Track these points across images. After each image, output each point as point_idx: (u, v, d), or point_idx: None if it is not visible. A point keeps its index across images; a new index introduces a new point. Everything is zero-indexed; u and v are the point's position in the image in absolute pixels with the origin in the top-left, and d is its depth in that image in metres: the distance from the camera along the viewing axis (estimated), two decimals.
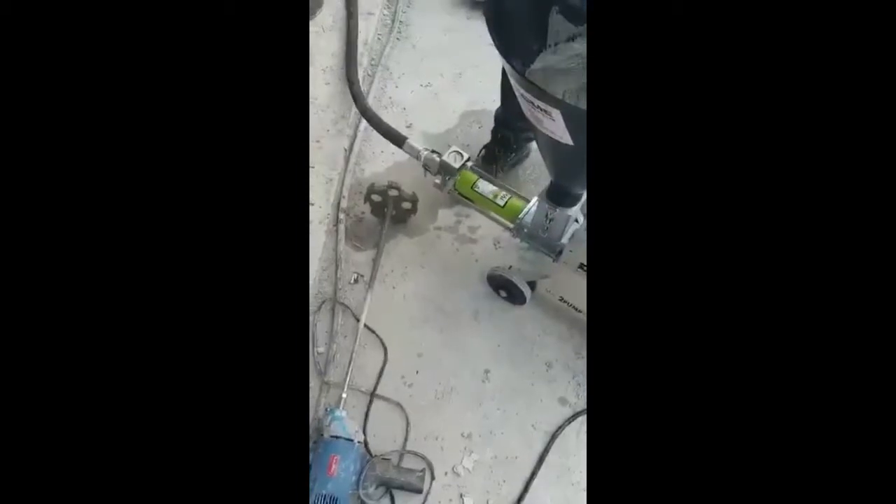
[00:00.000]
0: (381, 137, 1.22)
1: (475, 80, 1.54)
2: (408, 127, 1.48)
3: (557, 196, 0.96)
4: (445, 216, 1.31)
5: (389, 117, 1.50)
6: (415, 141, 1.19)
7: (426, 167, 1.20)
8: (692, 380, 0.38)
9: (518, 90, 0.69)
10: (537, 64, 0.84)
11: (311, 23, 1.57)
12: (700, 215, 0.38)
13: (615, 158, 0.40)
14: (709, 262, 0.38)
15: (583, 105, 0.80)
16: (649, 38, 0.38)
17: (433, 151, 1.18)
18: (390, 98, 1.54)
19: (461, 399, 1.07)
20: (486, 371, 1.10)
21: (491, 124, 1.33)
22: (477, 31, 1.71)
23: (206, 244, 0.41)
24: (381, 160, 1.40)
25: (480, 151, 1.33)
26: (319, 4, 1.69)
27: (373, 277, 1.18)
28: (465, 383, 1.08)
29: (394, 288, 1.19)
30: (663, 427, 0.39)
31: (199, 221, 0.41)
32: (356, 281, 1.19)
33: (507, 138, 1.29)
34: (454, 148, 1.15)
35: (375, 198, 1.23)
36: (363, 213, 1.29)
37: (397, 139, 1.23)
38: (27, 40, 0.38)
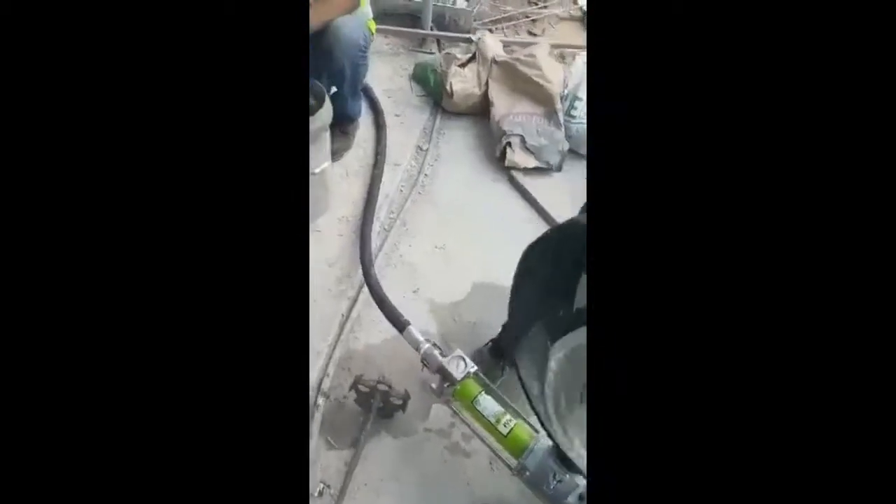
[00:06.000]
0: None
1: (492, 248, 1.46)
2: (414, 292, 1.37)
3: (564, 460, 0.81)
4: (439, 416, 1.14)
5: (397, 277, 1.41)
6: (416, 330, 1.08)
7: (424, 362, 1.07)
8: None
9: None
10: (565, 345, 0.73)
11: (335, 165, 1.55)
12: (702, 220, 0.39)
13: (617, 166, 0.41)
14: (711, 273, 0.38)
15: None
16: (649, 37, 0.39)
17: (435, 346, 1.06)
18: (401, 256, 1.46)
19: None
20: None
21: (504, 304, 1.21)
22: (500, 192, 1.68)
23: (200, 243, 0.40)
24: (378, 330, 1.27)
25: (487, 344, 1.20)
26: (348, 146, 1.69)
27: (342, 493, 0.99)
28: None
29: None
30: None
31: (195, 221, 0.40)
32: (321, 494, 1.00)
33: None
34: (458, 352, 1.03)
35: (362, 388, 1.08)
36: (345, 397, 1.13)
37: (398, 324, 1.13)
38: (27, 40, 0.38)
